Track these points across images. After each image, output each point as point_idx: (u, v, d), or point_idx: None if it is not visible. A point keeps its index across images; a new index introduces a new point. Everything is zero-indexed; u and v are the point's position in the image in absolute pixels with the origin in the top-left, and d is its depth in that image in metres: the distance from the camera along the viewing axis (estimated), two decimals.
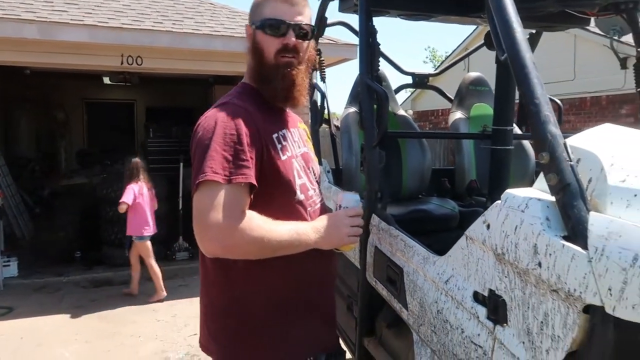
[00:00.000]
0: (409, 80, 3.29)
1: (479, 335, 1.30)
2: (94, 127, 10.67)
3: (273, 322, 1.41)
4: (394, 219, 1.98)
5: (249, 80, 1.50)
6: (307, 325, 1.45)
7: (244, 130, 1.31)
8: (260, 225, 1.28)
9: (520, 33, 1.27)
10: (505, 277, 1.19)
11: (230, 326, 1.43)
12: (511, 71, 1.26)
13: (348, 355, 2.46)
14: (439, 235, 2.23)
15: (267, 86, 1.44)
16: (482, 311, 1.29)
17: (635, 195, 0.96)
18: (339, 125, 3.07)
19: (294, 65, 1.42)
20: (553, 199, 1.08)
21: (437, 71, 3.48)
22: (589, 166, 1.06)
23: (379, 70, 2.50)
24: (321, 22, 2.95)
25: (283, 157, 1.41)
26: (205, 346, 1.51)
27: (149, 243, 5.27)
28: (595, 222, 0.97)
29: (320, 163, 3.12)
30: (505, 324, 1.20)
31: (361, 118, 2.33)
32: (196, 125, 1.38)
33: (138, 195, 5.14)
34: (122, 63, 5.70)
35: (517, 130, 2.99)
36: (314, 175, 1.57)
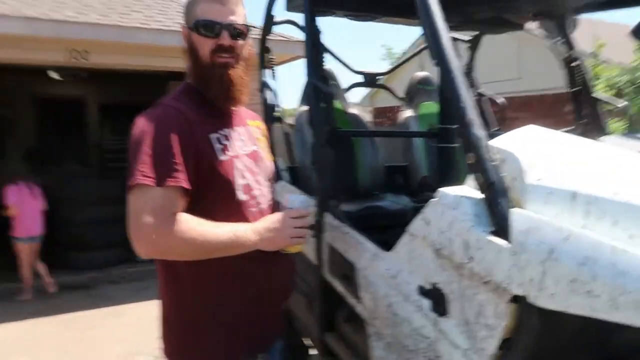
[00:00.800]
0: (360, 79, 3.33)
1: (424, 326, 1.38)
2: (43, 125, 10.26)
3: (213, 323, 1.43)
4: (349, 215, 2.03)
5: (190, 80, 1.49)
6: (252, 321, 1.48)
7: (175, 132, 1.31)
8: (193, 227, 1.29)
9: (446, 39, 1.33)
10: (444, 271, 1.27)
11: (174, 328, 1.47)
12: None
13: (313, 351, 2.53)
14: (395, 231, 2.30)
15: (206, 87, 1.43)
16: (426, 304, 1.37)
17: (550, 193, 1.04)
18: (294, 124, 3.09)
19: (231, 65, 1.42)
20: (483, 196, 1.16)
21: (386, 70, 3.53)
22: (511, 166, 1.13)
23: (323, 69, 2.53)
24: (269, 20, 2.95)
25: (222, 158, 1.40)
26: (163, 349, 1.53)
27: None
28: (517, 217, 1.05)
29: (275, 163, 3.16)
30: (446, 316, 1.28)
31: (310, 117, 2.37)
32: (132, 127, 1.37)
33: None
34: (68, 58, 5.51)
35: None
36: (265, 174, 1.56)
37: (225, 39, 1.40)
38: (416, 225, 1.40)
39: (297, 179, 2.96)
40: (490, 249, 1.08)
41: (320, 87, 2.09)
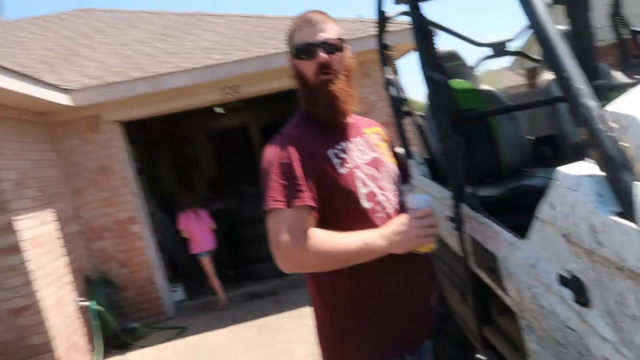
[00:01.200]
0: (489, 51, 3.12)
1: (570, 319, 1.26)
2: (218, 155, 11.54)
3: (359, 329, 1.50)
4: (494, 200, 1.93)
5: (302, 104, 1.58)
6: (395, 325, 1.51)
7: (296, 157, 1.42)
8: (325, 240, 1.38)
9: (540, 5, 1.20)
10: (578, 258, 1.15)
11: (325, 334, 1.58)
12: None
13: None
14: None
15: (314, 106, 1.52)
16: (568, 294, 1.25)
17: None
18: (425, 115, 3.03)
19: (332, 80, 1.48)
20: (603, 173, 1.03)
21: (512, 36, 3.24)
22: (635, 132, 0.98)
23: (436, 56, 2.43)
24: (381, 17, 2.94)
25: (342, 171, 1.47)
26: (320, 354, 1.64)
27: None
28: None
29: (410, 157, 3.13)
30: (589, 307, 1.16)
31: (430, 108, 2.31)
32: (261, 159, 1.52)
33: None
34: (224, 95, 6.16)
35: None
36: (388, 178, 1.59)
37: (322, 57, 1.47)
38: (543, 209, 1.29)
39: (436, 170, 2.90)
40: (617, 232, 0.95)
41: (434, 78, 2.03)
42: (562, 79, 1.10)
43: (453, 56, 3.22)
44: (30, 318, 4.44)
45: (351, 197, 1.46)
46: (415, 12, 2.23)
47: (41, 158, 5.43)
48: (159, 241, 6.76)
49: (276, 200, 1.38)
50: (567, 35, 2.52)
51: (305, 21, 1.51)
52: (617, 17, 2.90)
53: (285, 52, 1.62)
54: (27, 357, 4.38)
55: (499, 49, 3.07)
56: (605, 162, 1.00)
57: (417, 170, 2.93)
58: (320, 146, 1.48)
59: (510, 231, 1.63)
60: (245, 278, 7.12)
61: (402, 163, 1.79)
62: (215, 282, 6.44)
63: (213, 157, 11.59)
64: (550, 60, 1.14)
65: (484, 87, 3.07)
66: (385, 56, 3.15)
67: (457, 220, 2.02)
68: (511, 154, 2.80)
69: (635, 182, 0.94)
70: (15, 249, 4.40)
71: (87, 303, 5.34)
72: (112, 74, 6.07)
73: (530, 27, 1.23)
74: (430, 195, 1.53)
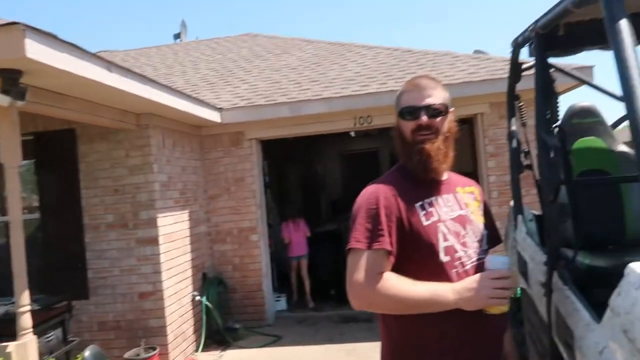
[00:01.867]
0: None
1: None
2: (346, 176, 11.83)
3: None
4: (603, 270, 1.81)
5: (400, 158, 1.71)
6: None
7: (383, 204, 1.54)
8: (395, 285, 1.46)
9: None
10: (633, 356, 1.06)
11: None
12: None
13: None
14: None
15: (409, 161, 1.63)
16: None
17: None
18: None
19: (430, 140, 1.59)
20: None
21: None
22: None
23: (557, 120, 2.32)
24: (516, 68, 2.90)
25: (426, 223, 1.55)
26: None
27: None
28: None
29: (520, 212, 2.99)
30: None
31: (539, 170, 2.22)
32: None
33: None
34: (354, 124, 6.41)
35: None
36: (473, 236, 1.62)
37: (423, 119, 1.59)
38: (614, 299, 1.21)
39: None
40: None
41: (549, 142, 1.96)
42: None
43: (589, 112, 3.03)
44: (152, 302, 5.03)
45: (431, 248, 1.53)
46: (540, 69, 2.18)
47: (189, 165, 6.15)
48: (272, 251, 7.20)
49: (358, 241, 1.50)
50: None
51: (413, 85, 1.65)
52: None
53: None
54: (143, 336, 4.95)
55: None
56: None
57: (523, 227, 2.80)
58: (410, 198, 1.58)
59: (590, 311, 1.52)
60: (346, 300, 7.15)
61: (492, 224, 1.79)
62: (306, 284, 7.21)
63: (341, 177, 11.92)
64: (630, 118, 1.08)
65: (622, 147, 2.84)
66: (514, 107, 3.08)
67: (547, 288, 1.93)
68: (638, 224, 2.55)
69: None
70: (154, 241, 5.05)
71: (200, 297, 5.86)
72: (259, 97, 6.67)
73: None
74: (509, 258, 1.51)
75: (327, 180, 11.78)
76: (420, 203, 1.57)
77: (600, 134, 2.91)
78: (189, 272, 5.79)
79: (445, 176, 1.68)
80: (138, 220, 5.05)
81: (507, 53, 3.16)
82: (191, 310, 5.75)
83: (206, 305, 5.89)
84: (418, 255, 1.52)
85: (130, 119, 4.97)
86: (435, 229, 1.54)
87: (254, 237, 6.57)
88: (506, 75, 3.14)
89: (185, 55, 9.81)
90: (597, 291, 1.67)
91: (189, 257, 5.82)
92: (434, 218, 1.56)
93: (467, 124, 6.43)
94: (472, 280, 1.47)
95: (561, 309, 1.79)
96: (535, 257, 2.30)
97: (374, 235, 1.49)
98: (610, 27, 1.32)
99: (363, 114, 6.33)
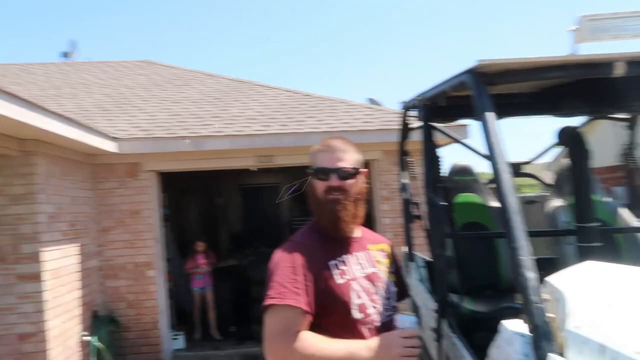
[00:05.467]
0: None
1: None
2: (247, 210, 11.83)
3: None
4: (483, 315, 2.06)
5: (314, 215, 1.80)
6: None
7: (299, 263, 1.62)
8: (313, 344, 1.53)
9: (508, 180, 1.43)
10: None
11: None
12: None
13: None
14: None
15: (321, 219, 1.74)
16: None
17: (584, 343, 1.06)
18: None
19: (340, 201, 1.70)
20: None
21: (528, 160, 3.46)
22: (560, 307, 1.16)
23: (441, 181, 2.65)
24: (405, 129, 3.24)
25: (339, 281, 1.64)
26: None
27: None
28: None
29: (411, 259, 3.32)
30: None
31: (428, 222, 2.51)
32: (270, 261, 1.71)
33: None
34: (257, 162, 6.54)
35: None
36: (382, 293, 1.73)
37: (334, 181, 1.70)
38: (492, 351, 1.45)
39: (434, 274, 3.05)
40: None
41: (433, 200, 2.25)
42: (512, 248, 1.31)
43: (466, 171, 3.46)
44: (33, 345, 4.64)
45: (345, 306, 1.63)
46: (426, 135, 2.50)
47: (79, 195, 5.81)
48: (170, 287, 6.97)
49: (273, 298, 1.56)
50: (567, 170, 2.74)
51: (327, 147, 1.76)
52: (629, 158, 3.07)
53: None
54: None
55: (513, 170, 3.27)
56: (532, 329, 1.18)
57: (415, 274, 3.10)
58: (324, 256, 1.67)
59: (474, 357, 1.77)
60: (247, 337, 7.16)
61: (401, 281, 1.93)
62: (212, 315, 7.36)
63: (241, 211, 11.87)
64: (506, 230, 1.35)
65: (494, 202, 3.26)
66: (404, 162, 3.42)
67: (437, 334, 2.18)
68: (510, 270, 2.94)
69: (550, 354, 1.11)
70: (36, 277, 4.67)
71: (89, 338, 5.51)
72: (159, 129, 6.54)
73: (497, 197, 1.44)
74: (417, 319, 1.68)
75: (227, 213, 11.69)
76: (334, 261, 1.67)
77: (476, 191, 3.35)
78: (78, 311, 5.43)
79: (358, 233, 1.79)
80: (19, 254, 4.66)
81: (396, 104, 3.52)
82: (79, 352, 5.37)
83: (96, 347, 5.55)
84: (333, 312, 1.61)
85: (13, 144, 4.59)
86: (348, 287, 1.64)
87: (151, 272, 6.33)
88: (397, 126, 3.49)
89: (76, 77, 9.25)
90: (478, 335, 1.94)
91: (78, 294, 5.46)
92: (348, 276, 1.66)
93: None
94: (385, 339, 1.57)
95: (450, 353, 2.04)
96: (427, 304, 2.57)
97: (291, 293, 1.55)
98: (479, 114, 1.67)
99: (265, 153, 6.47)
